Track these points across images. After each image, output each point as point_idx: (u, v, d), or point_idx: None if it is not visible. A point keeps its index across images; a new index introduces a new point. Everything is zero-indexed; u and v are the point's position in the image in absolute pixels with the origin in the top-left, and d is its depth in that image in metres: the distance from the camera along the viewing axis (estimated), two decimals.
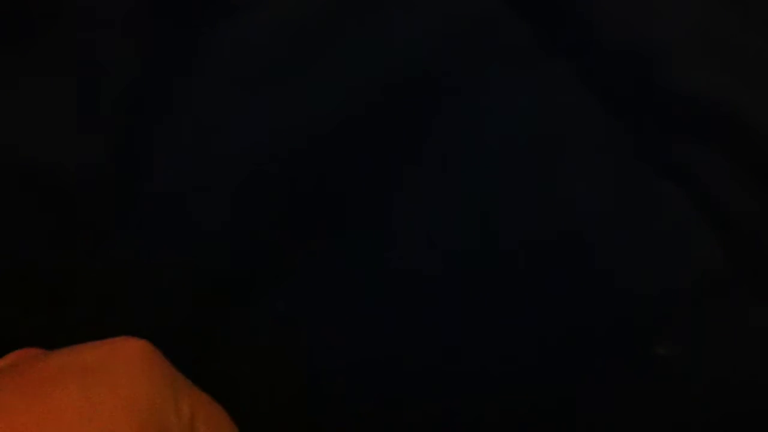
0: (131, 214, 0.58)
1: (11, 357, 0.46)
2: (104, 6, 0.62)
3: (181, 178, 0.60)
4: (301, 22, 0.62)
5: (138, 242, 0.58)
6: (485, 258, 0.59)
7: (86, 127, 0.60)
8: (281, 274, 0.58)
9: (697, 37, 0.64)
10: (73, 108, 0.60)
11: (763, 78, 0.63)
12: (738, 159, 0.61)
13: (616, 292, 0.58)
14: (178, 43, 0.61)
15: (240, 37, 0.62)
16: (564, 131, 0.61)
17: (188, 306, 0.57)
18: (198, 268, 0.58)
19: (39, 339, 0.56)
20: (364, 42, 0.62)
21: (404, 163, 0.61)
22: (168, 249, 0.58)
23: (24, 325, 0.57)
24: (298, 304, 0.58)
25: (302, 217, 0.60)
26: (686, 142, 0.62)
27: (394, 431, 0.56)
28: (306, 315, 0.58)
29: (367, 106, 0.61)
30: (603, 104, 0.62)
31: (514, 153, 0.61)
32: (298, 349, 0.57)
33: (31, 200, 0.59)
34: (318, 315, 0.58)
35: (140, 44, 0.61)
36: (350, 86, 0.61)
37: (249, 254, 0.59)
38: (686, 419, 0.56)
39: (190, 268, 0.58)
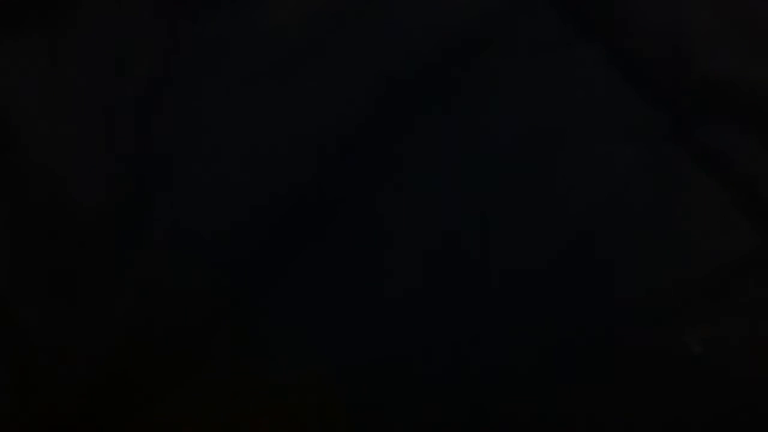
0: (137, 218, 0.58)
1: None
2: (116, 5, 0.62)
3: (183, 183, 0.59)
4: (303, 16, 0.61)
5: (145, 243, 0.58)
6: (485, 261, 0.59)
7: (98, 130, 0.59)
8: (280, 277, 0.58)
9: (731, 21, 0.63)
10: (85, 107, 0.60)
11: None
12: None
13: (647, 280, 0.58)
14: (179, 39, 0.61)
15: (241, 33, 0.61)
16: (593, 117, 0.61)
17: (188, 308, 0.57)
18: (200, 270, 0.58)
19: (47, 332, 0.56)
20: (369, 37, 0.61)
21: (409, 160, 0.60)
22: (171, 250, 0.58)
23: (35, 318, 0.57)
24: (297, 307, 0.58)
25: (302, 220, 0.59)
26: (721, 127, 0.61)
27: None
28: (305, 317, 0.58)
29: (371, 103, 0.60)
30: (634, 88, 0.61)
31: (543, 137, 0.60)
32: (299, 351, 0.57)
33: (43, 204, 0.59)
34: (317, 317, 0.58)
35: (147, 42, 0.61)
36: (353, 85, 0.60)
37: (250, 258, 0.58)
38: (708, 412, 0.56)
39: (192, 270, 0.58)
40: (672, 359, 0.56)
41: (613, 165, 0.60)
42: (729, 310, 0.57)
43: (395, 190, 0.60)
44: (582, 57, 0.62)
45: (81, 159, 0.59)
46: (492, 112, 0.61)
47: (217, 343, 0.57)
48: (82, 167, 0.59)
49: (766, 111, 0.61)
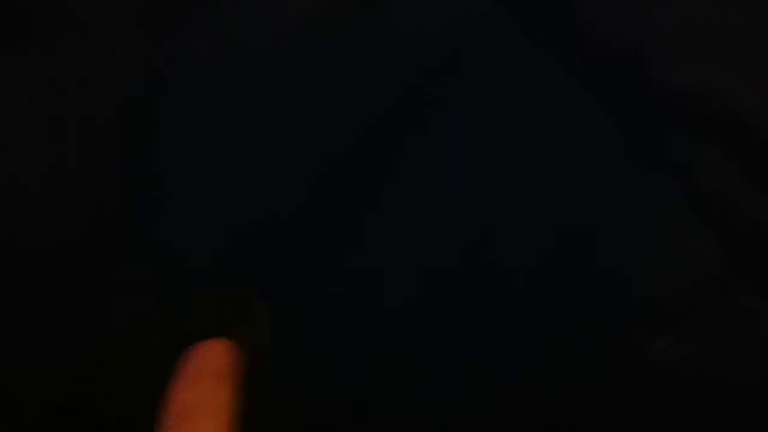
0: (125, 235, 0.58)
1: None
2: (90, 10, 0.61)
3: (177, 199, 0.59)
4: (292, 30, 0.61)
5: (136, 263, 0.58)
6: (481, 266, 0.58)
7: (86, 148, 0.59)
8: (280, 287, 0.58)
9: (691, 29, 0.63)
10: (72, 122, 0.59)
11: (760, 71, 0.62)
12: (735, 154, 0.60)
13: (615, 295, 0.57)
14: (171, 55, 0.60)
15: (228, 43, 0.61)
16: (556, 130, 0.60)
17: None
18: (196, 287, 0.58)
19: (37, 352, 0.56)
20: (364, 46, 0.61)
21: (394, 172, 0.60)
22: (164, 271, 0.58)
23: (19, 339, 0.57)
24: (297, 317, 0.58)
25: (301, 230, 0.59)
26: (682, 138, 0.61)
27: None
28: (305, 328, 0.58)
29: (370, 114, 0.60)
30: (595, 101, 0.61)
31: (505, 156, 0.60)
32: (299, 362, 0.57)
33: (27, 216, 0.58)
34: (317, 325, 0.58)
35: (138, 58, 0.60)
36: (351, 96, 0.60)
37: (248, 270, 0.58)
38: (688, 423, 0.56)
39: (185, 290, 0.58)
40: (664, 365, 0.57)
41: (573, 182, 0.60)
42: (694, 323, 0.57)
43: (395, 196, 0.59)
44: (545, 69, 0.61)
45: (68, 177, 0.59)
46: (460, 130, 0.61)
47: None
48: (69, 185, 0.58)
49: (724, 122, 0.61)
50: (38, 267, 0.57)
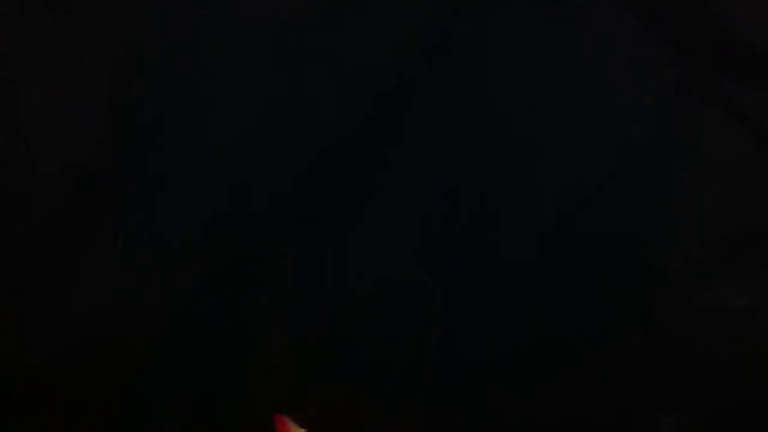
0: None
1: None
2: None
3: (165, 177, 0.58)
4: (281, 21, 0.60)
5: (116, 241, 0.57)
6: (483, 247, 0.58)
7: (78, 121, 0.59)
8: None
9: None
10: (67, 99, 0.59)
11: None
12: None
13: (676, 233, 0.56)
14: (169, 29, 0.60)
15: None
16: (610, 64, 0.60)
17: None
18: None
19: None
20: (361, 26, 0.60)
21: (401, 143, 0.59)
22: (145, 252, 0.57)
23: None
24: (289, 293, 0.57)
25: (296, 213, 0.58)
26: (740, 76, 0.60)
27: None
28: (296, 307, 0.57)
29: (372, 90, 0.60)
30: (651, 36, 0.60)
31: (559, 85, 0.59)
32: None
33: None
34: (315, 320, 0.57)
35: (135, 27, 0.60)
36: (346, 78, 0.59)
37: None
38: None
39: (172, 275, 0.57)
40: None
41: (632, 118, 0.59)
42: (744, 269, 0.56)
43: (400, 170, 0.59)
44: (600, 5, 0.60)
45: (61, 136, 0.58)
46: (498, 63, 0.60)
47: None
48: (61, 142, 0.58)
49: None
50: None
